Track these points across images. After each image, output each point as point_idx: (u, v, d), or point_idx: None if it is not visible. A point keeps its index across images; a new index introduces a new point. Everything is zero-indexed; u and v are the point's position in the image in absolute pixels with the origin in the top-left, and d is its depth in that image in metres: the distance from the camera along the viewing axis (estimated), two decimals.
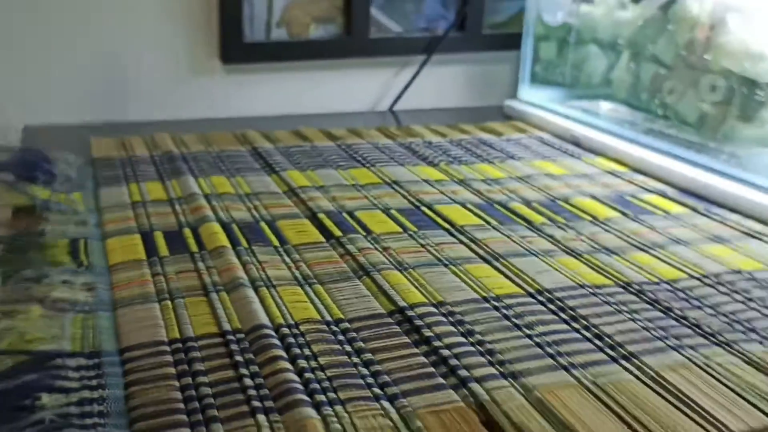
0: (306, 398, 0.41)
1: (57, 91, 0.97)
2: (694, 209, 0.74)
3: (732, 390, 0.44)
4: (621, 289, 0.56)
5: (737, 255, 0.63)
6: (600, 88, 1.04)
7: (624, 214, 0.72)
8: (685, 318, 0.52)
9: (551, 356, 0.46)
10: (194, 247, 0.60)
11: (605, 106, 1.02)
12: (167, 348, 0.45)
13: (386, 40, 1.09)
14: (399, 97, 1.11)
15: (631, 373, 0.45)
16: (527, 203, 0.73)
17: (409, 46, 1.10)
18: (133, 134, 0.90)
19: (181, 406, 0.40)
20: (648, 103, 0.96)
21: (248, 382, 0.42)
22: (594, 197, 0.76)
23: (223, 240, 0.61)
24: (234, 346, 0.46)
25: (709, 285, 0.57)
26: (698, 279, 0.58)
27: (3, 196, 0.67)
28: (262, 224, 0.65)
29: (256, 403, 0.40)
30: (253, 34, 1.02)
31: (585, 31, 1.05)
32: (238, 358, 0.45)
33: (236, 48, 1.01)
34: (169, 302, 0.51)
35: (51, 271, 0.54)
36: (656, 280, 0.58)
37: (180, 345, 0.46)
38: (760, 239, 0.67)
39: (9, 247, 0.59)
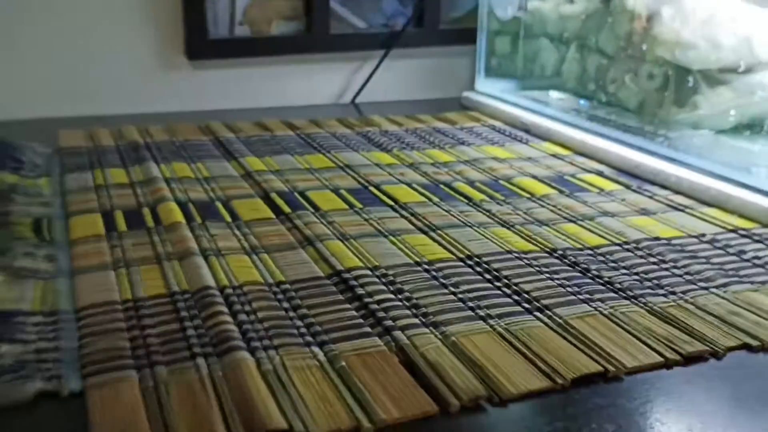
0: (242, 344, 0.45)
1: (29, 86, 1.00)
2: (627, 186, 0.79)
3: (631, 334, 0.48)
4: (546, 254, 0.61)
5: (659, 225, 0.68)
6: (550, 78, 1.09)
7: (560, 191, 0.76)
8: (600, 277, 0.57)
9: (471, 309, 0.51)
10: (151, 223, 0.64)
11: (554, 95, 1.07)
12: (119, 307, 0.50)
13: (347, 36, 1.13)
14: (360, 90, 1.16)
15: (541, 321, 0.50)
16: (470, 183, 0.78)
17: (369, 41, 1.14)
18: (101, 127, 0.94)
19: (129, 353, 0.44)
20: (594, 91, 1.01)
21: (191, 332, 0.46)
22: (535, 177, 0.81)
23: (179, 217, 0.65)
24: (180, 304, 0.50)
25: (628, 250, 0.62)
26: (619, 245, 0.63)
27: None
28: (218, 204, 0.69)
29: (197, 350, 0.45)
30: (218, 31, 1.07)
31: (535, 25, 1.10)
32: (184, 314, 0.49)
33: (201, 44, 1.05)
34: (124, 270, 0.55)
35: (15, 245, 0.58)
36: (580, 246, 0.63)
37: (131, 304, 0.50)
38: (683, 211, 0.72)
39: None
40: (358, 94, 1.16)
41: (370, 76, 1.15)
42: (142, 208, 0.68)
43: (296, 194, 0.72)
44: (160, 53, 1.05)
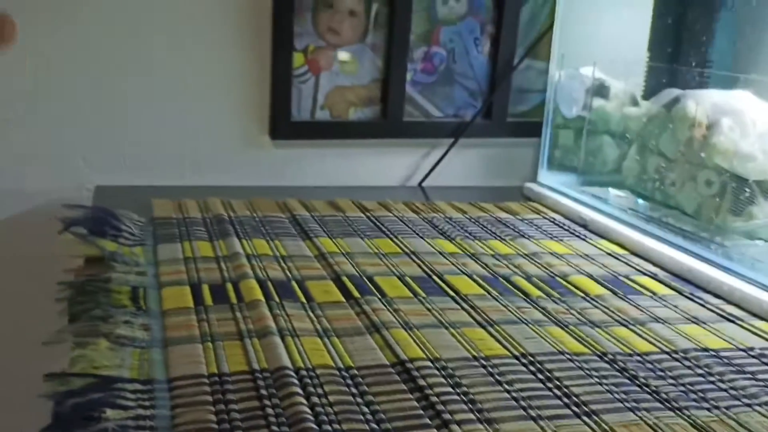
0: (315, 426, 0.50)
1: (128, 153, 1.10)
2: (679, 292, 0.82)
3: None
4: (597, 358, 0.64)
5: (709, 335, 0.71)
6: (610, 175, 1.14)
7: (614, 293, 0.80)
8: (647, 385, 0.60)
9: (523, 408, 0.55)
10: (234, 300, 0.71)
11: (614, 192, 1.11)
12: (206, 380, 0.56)
13: (418, 124, 1.21)
14: (428, 174, 1.22)
15: (589, 426, 0.53)
16: (528, 278, 0.83)
17: (439, 129, 1.21)
18: (188, 197, 1.02)
19: (215, 426, 0.50)
20: (652, 191, 1.05)
21: (270, 411, 0.52)
22: (590, 276, 0.85)
23: (259, 295, 0.71)
24: (260, 382, 0.56)
25: (676, 359, 0.65)
26: (668, 353, 0.66)
27: (77, 247, 0.79)
28: (293, 283, 0.76)
29: (275, 428, 0.50)
30: (300, 114, 1.15)
31: (598, 122, 1.15)
32: (263, 392, 0.54)
33: (284, 126, 1.14)
34: (210, 344, 0.61)
35: (115, 312, 0.65)
36: (630, 352, 0.66)
37: (217, 379, 0.56)
38: (734, 322, 0.75)
39: (80, 290, 0.70)
40: (425, 178, 1.22)
41: (438, 162, 1.22)
42: (225, 283, 0.75)
43: (365, 279, 0.78)
44: (246, 132, 1.14)
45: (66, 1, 1.03)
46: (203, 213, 0.97)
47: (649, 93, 1.12)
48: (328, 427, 0.51)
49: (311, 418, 0.51)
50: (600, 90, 1.16)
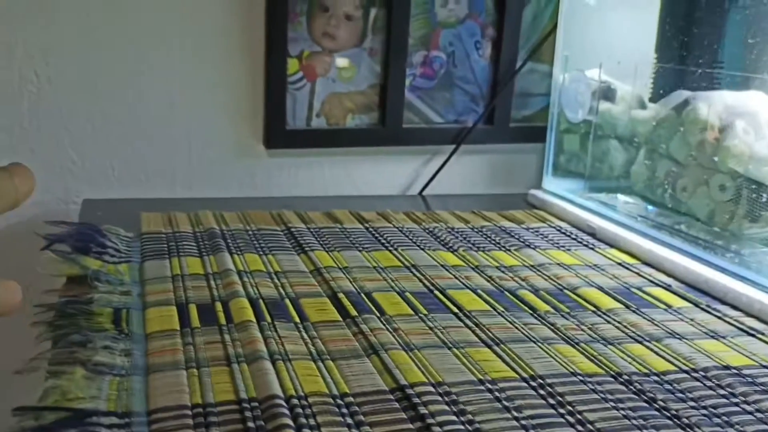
0: None
1: (116, 166, 1.06)
2: (695, 304, 0.78)
3: None
4: (611, 379, 0.60)
5: (730, 351, 0.67)
6: (618, 180, 1.10)
7: (626, 306, 0.76)
8: (666, 409, 0.56)
9: None
10: (223, 320, 0.66)
11: (622, 198, 1.07)
12: (189, 412, 0.51)
13: (418, 130, 1.17)
14: (428, 182, 1.18)
15: None
16: (535, 291, 0.78)
17: (440, 136, 1.17)
18: (180, 210, 0.98)
19: None
20: (662, 197, 1.00)
21: None
22: (601, 288, 0.80)
23: (250, 315, 0.67)
24: (248, 413, 0.51)
25: (696, 379, 0.61)
26: (687, 372, 0.62)
27: (58, 266, 0.75)
28: (287, 301, 0.72)
29: None
30: (295, 122, 1.11)
31: (605, 126, 1.11)
32: (250, 424, 0.50)
33: (279, 134, 1.10)
34: (195, 370, 0.57)
35: (95, 337, 0.61)
36: (646, 371, 0.62)
37: (201, 410, 0.52)
38: (755, 336, 0.70)
39: (60, 313, 0.66)
40: (426, 186, 1.18)
41: (439, 169, 1.18)
42: (215, 302, 0.70)
43: (363, 295, 0.74)
44: (239, 141, 1.10)
45: (48, 7, 1.00)
46: (194, 227, 0.93)
47: (657, 95, 1.08)
48: None
49: None
50: (606, 93, 1.12)
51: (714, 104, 0.95)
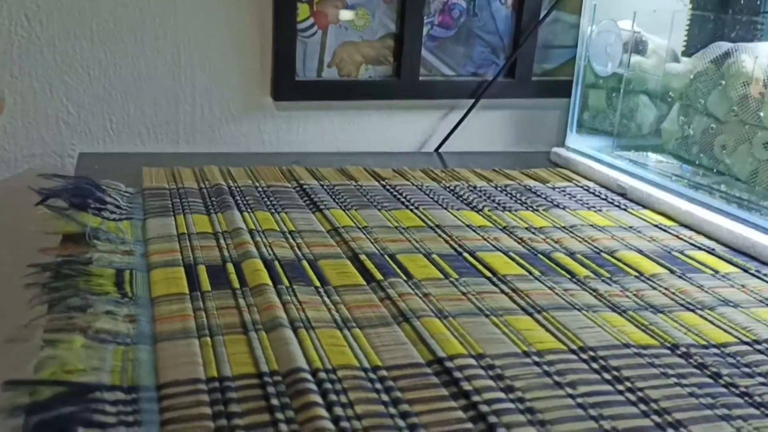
0: None
1: (116, 119, 0.99)
2: (744, 269, 0.72)
3: None
4: (667, 351, 0.54)
5: None
6: (648, 138, 1.03)
7: (671, 270, 0.70)
8: (734, 386, 0.50)
9: (594, 419, 0.45)
10: (236, 284, 0.60)
11: (653, 157, 1.00)
12: (204, 387, 0.45)
13: (435, 83, 1.09)
14: (445, 139, 1.11)
15: None
16: (571, 254, 0.72)
17: (458, 89, 1.10)
18: (183, 165, 0.92)
19: None
20: (698, 156, 0.94)
21: (283, 427, 0.42)
22: (640, 251, 0.74)
23: (265, 278, 0.61)
24: (270, 389, 0.46)
25: (760, 351, 0.55)
26: (749, 344, 0.56)
27: (54, 222, 0.69)
28: (304, 263, 0.65)
29: None
30: (305, 73, 1.04)
31: (636, 81, 1.04)
32: (274, 401, 0.44)
33: (288, 86, 1.03)
34: (208, 339, 0.51)
35: (96, 301, 0.55)
36: (704, 343, 0.56)
37: (217, 384, 0.46)
38: None
39: (56, 273, 0.60)
40: (442, 143, 1.11)
41: (457, 125, 1.11)
42: (226, 263, 0.64)
43: (386, 257, 0.68)
44: (246, 92, 1.03)
45: None
46: (200, 182, 0.86)
47: (693, 48, 1.01)
48: None
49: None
50: (636, 45, 1.04)
51: (759, 56, 0.88)
